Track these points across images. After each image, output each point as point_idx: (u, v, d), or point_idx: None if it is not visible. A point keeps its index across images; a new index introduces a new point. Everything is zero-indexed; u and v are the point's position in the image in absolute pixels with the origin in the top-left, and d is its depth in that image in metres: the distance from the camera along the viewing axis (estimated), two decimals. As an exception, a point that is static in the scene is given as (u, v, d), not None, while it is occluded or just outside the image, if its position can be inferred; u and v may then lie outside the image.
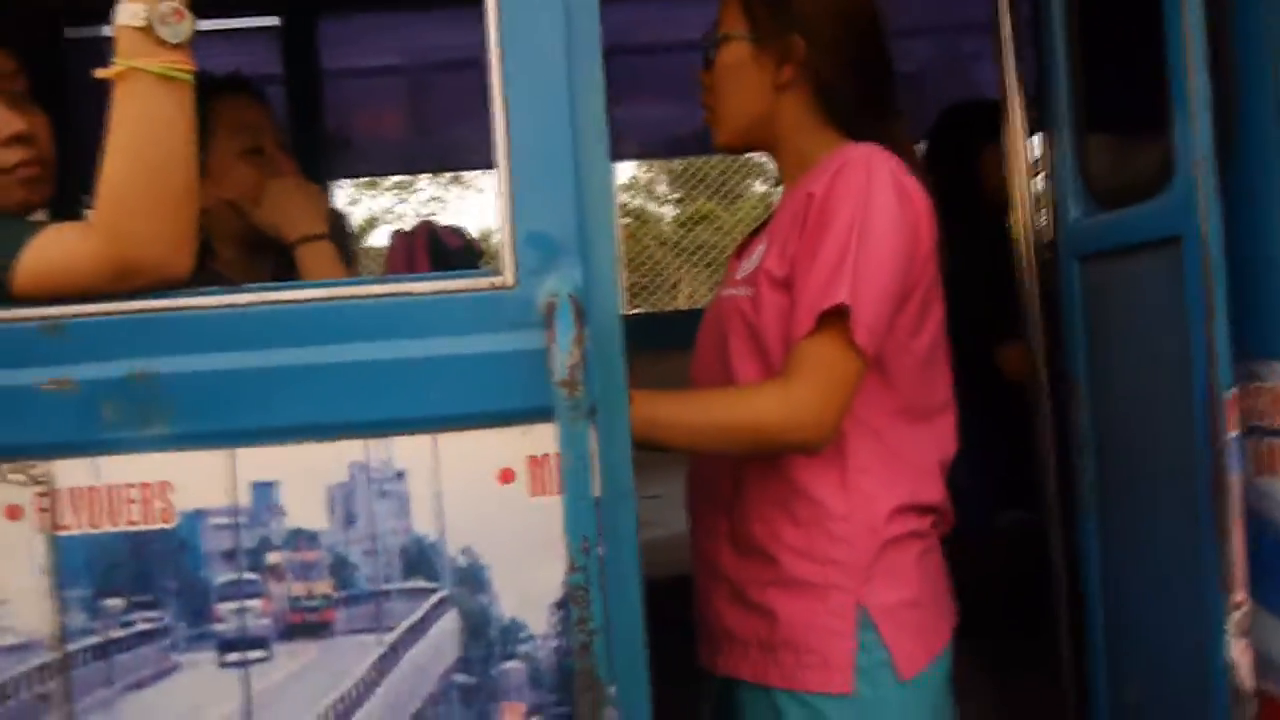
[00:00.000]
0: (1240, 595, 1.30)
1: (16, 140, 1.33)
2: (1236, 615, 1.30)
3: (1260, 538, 1.37)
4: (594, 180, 1.22)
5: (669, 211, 10.62)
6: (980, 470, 2.35)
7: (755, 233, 1.56)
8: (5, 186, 1.33)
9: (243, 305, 1.19)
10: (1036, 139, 2.02)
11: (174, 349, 1.17)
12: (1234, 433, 1.30)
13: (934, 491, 1.44)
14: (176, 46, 1.15)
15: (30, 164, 1.35)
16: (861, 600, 1.36)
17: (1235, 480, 1.30)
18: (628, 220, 9.83)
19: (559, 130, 1.21)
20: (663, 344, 1.95)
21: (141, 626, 1.18)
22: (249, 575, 1.18)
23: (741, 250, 1.57)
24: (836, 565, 1.37)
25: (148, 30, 1.13)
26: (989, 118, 2.48)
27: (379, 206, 10.91)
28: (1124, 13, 1.56)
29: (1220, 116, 1.37)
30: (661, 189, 10.71)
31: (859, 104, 1.45)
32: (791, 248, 1.38)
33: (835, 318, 1.29)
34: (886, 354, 1.37)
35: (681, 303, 8.32)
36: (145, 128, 1.15)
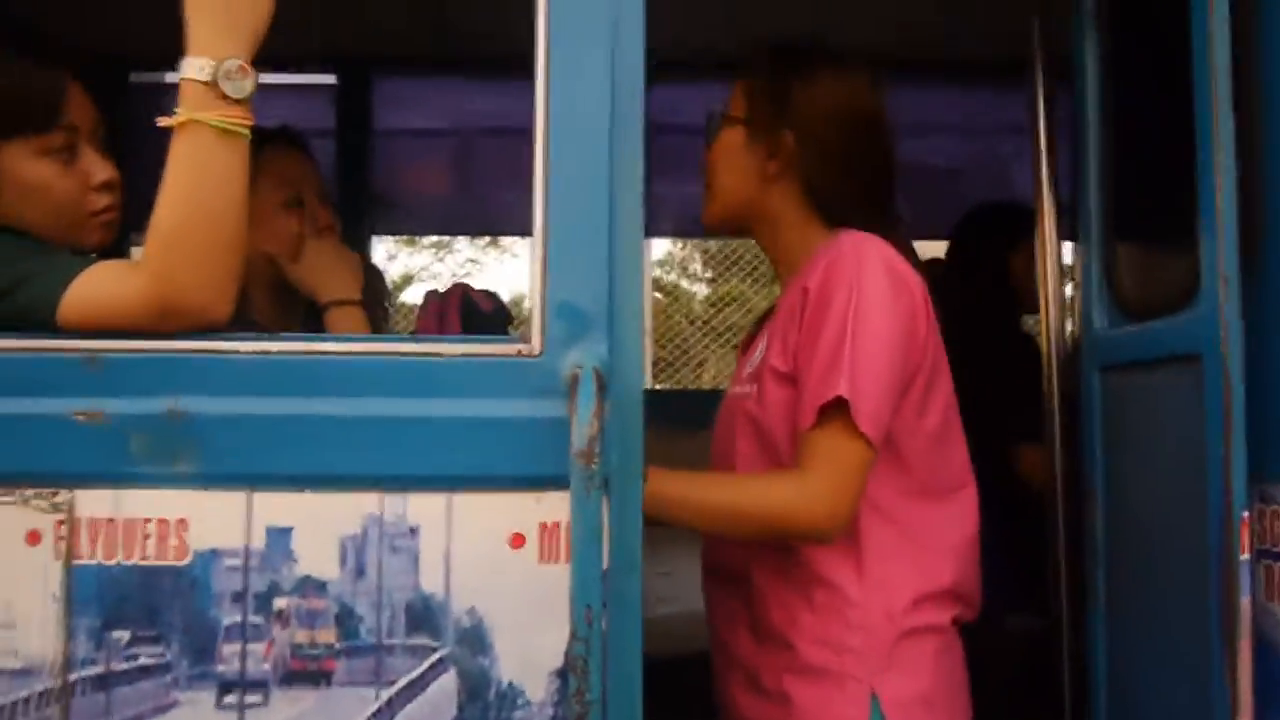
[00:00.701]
0: (1247, 718, 1.28)
1: (106, 186, 1.40)
2: (1241, 740, 1.28)
3: (1267, 662, 1.35)
4: (627, 257, 1.26)
5: (701, 290, 10.70)
6: (993, 570, 2.34)
7: (758, 328, 1.59)
8: (90, 228, 1.40)
9: (275, 353, 1.23)
10: (1070, 245, 2.04)
11: (205, 390, 1.21)
12: (1246, 555, 1.29)
13: (955, 574, 1.43)
14: (238, 102, 1.19)
15: (114, 209, 1.41)
16: (876, 690, 1.36)
17: (1246, 603, 1.29)
18: (660, 296, 9.90)
19: (597, 205, 1.25)
20: (683, 421, 1.97)
21: (145, 661, 1.19)
22: (255, 618, 1.19)
23: (746, 346, 1.60)
24: (853, 653, 1.37)
25: (212, 84, 1.18)
26: (1016, 220, 2.52)
27: (416, 264, 11.06)
28: (1159, 126, 1.58)
29: (1247, 234, 1.39)
30: (695, 267, 10.81)
31: (846, 201, 1.48)
32: (791, 341, 1.40)
33: (838, 409, 1.31)
34: (897, 436, 1.38)
35: (706, 381, 8.33)
36: (202, 177, 1.20)
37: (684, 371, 8.62)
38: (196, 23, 1.19)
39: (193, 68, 1.19)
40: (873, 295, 1.34)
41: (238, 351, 1.22)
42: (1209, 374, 1.34)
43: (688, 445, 1.72)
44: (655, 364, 8.01)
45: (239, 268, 1.23)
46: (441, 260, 11.05)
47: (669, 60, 2.81)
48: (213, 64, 1.18)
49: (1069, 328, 2.02)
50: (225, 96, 1.19)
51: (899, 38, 2.97)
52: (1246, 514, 1.29)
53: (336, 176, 3.14)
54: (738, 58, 1.59)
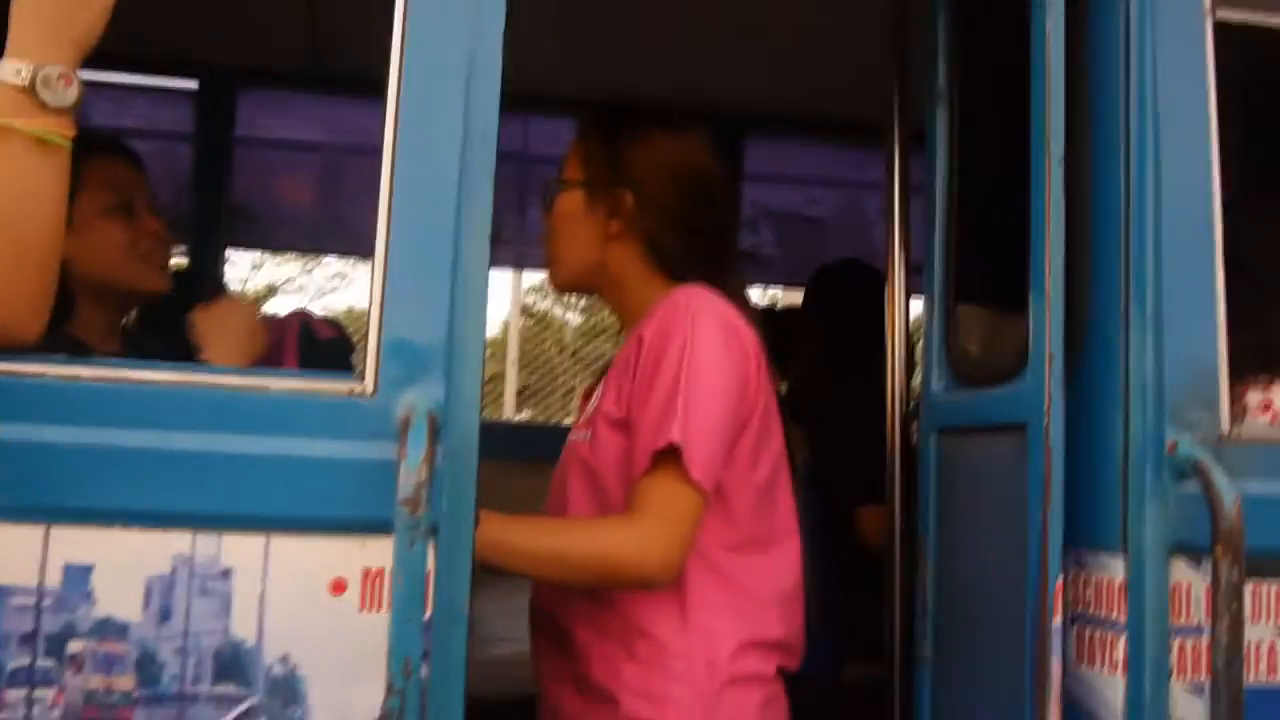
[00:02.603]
0: (1054, 780, 1.32)
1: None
2: (1047, 801, 1.32)
3: (1075, 723, 1.40)
4: (471, 294, 1.23)
5: (574, 319, 10.70)
6: (833, 622, 2.38)
7: (599, 377, 1.59)
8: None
9: (85, 378, 1.15)
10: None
11: (2, 415, 1.12)
12: (1058, 620, 1.34)
13: (778, 627, 1.44)
14: (59, 111, 1.13)
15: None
16: (700, 743, 1.35)
17: (1056, 669, 1.33)
18: (530, 322, 9.85)
19: (441, 239, 1.22)
20: (532, 456, 1.95)
21: (-82, 706, 1.09)
22: (45, 662, 1.11)
23: (587, 394, 1.61)
24: (675, 704, 1.36)
25: (28, 91, 1.11)
26: (874, 279, 2.59)
27: (281, 275, 10.75)
28: (1001, 200, 1.65)
29: (1074, 309, 1.45)
30: (569, 296, 10.81)
31: (687, 257, 1.50)
32: (626, 390, 1.41)
33: (671, 456, 1.32)
34: (727, 487, 1.39)
35: (573, 410, 8.33)
36: (13, 189, 1.12)
37: (551, 399, 8.59)
38: (18, 25, 1.12)
39: (7, 71, 1.11)
40: (706, 346, 1.36)
41: (42, 375, 1.14)
42: (1032, 444, 1.38)
43: (534, 480, 1.70)
44: (520, 390, 7.96)
45: (52, 286, 1.15)
46: (309, 273, 10.77)
47: (544, 95, 2.82)
48: (30, 68, 1.11)
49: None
50: (44, 105, 1.12)
51: (767, 96, 3.06)
52: (1060, 580, 1.34)
53: (193, 184, 3.03)
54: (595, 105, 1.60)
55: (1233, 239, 1.44)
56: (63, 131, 1.13)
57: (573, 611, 1.44)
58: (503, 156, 1.27)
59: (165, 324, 1.75)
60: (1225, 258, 1.43)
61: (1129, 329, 1.41)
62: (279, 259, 10.59)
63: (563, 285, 1.59)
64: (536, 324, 10.18)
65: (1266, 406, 1.48)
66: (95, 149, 1.60)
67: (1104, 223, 1.48)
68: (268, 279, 10.51)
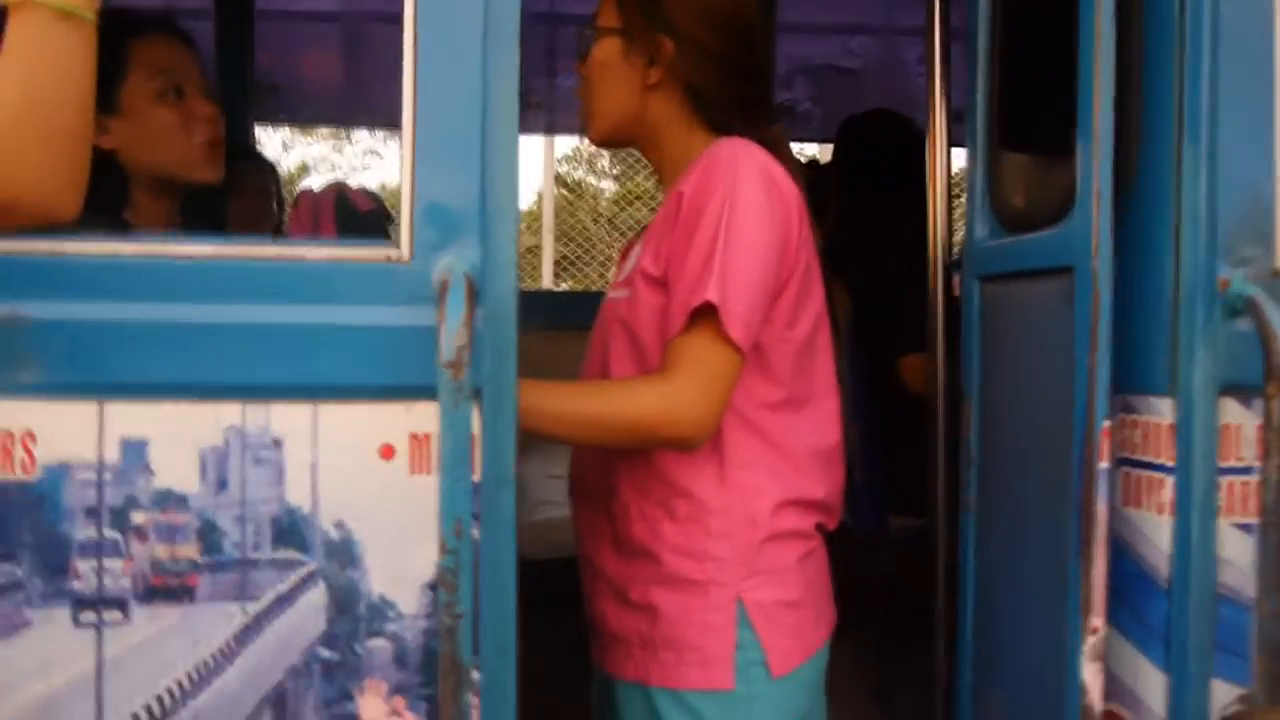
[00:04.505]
0: (1097, 621, 1.33)
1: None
2: (1092, 639, 1.33)
3: (1122, 565, 1.41)
4: (502, 156, 1.21)
5: (609, 187, 10.57)
6: (876, 473, 2.40)
7: (638, 235, 1.57)
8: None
9: (127, 255, 1.16)
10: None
11: (49, 294, 1.14)
12: (1105, 464, 1.33)
13: (817, 484, 1.44)
14: None
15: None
16: (741, 596, 1.38)
17: (1102, 510, 1.33)
18: (564, 192, 9.76)
19: (469, 101, 1.19)
20: (573, 323, 1.95)
21: (-6, 578, 1.14)
22: (111, 534, 1.15)
23: (625, 252, 1.58)
24: (716, 561, 1.38)
25: None
26: (900, 128, 2.53)
27: (314, 155, 10.69)
28: (1047, 42, 1.58)
29: (1123, 152, 1.40)
30: (602, 163, 10.66)
31: (729, 105, 1.45)
32: (665, 247, 1.38)
33: (708, 314, 1.30)
34: (765, 345, 1.38)
35: (610, 280, 8.28)
36: (38, 63, 1.10)
37: (589, 269, 8.56)
38: None
39: None
40: (747, 202, 1.33)
41: (85, 253, 1.15)
42: (1080, 287, 1.36)
43: (573, 347, 1.70)
44: (558, 262, 7.93)
45: (85, 162, 1.15)
46: (340, 152, 10.70)
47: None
48: None
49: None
50: None
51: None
52: (1108, 423, 1.33)
53: (216, 61, 2.98)
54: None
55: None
56: (87, 4, 1.11)
57: (612, 473, 1.45)
58: (529, 18, 1.23)
59: (209, 203, 1.75)
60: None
61: (1181, 163, 1.36)
62: (309, 138, 10.52)
63: (601, 139, 1.54)
64: (571, 193, 10.08)
65: (1325, 240, 1.43)
66: (144, 29, 1.57)
67: (1156, 57, 1.41)
68: (299, 159, 10.47)
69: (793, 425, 1.43)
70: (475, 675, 1.11)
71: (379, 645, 1.19)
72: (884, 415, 2.39)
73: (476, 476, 1.14)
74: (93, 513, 1.15)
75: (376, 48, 3.26)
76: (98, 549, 1.15)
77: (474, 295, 1.12)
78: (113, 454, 1.15)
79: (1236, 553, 1.36)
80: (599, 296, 1.57)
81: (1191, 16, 1.37)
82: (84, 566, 1.15)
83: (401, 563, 1.19)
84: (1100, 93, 1.33)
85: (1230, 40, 1.36)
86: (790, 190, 1.39)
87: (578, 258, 8.57)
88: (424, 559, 1.18)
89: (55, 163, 1.12)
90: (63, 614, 1.15)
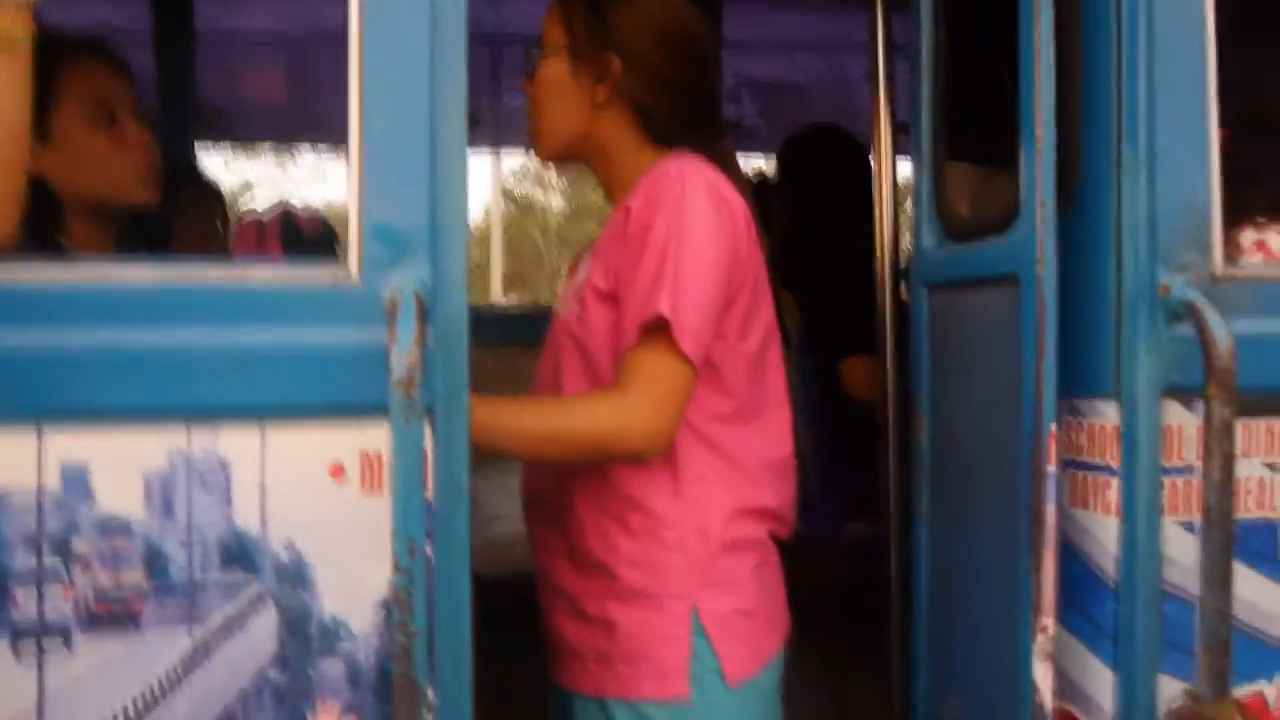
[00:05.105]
0: (1047, 620, 1.35)
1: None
2: (1042, 639, 1.35)
3: (1071, 566, 1.43)
4: (450, 172, 1.20)
5: (556, 201, 10.58)
6: (830, 481, 2.41)
7: (586, 250, 1.57)
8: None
9: (66, 279, 1.13)
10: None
11: (-16, 318, 1.11)
12: (1052, 467, 1.35)
13: (770, 494, 1.45)
14: (15, 6, 1.08)
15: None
16: (696, 606, 1.38)
17: (1051, 512, 1.35)
18: (513, 207, 9.75)
19: (416, 117, 1.19)
20: (522, 341, 1.94)
21: (-71, 610, 1.11)
22: (51, 562, 1.12)
23: (573, 268, 1.58)
24: (671, 573, 1.39)
25: None
26: (843, 144, 2.57)
27: (258, 174, 10.58)
28: (989, 52, 1.61)
29: (1066, 161, 1.43)
30: (550, 178, 10.67)
31: (677, 122, 1.46)
32: (614, 263, 1.39)
33: (660, 328, 1.31)
34: (717, 358, 1.39)
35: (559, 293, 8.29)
36: None
37: (538, 283, 8.56)
38: None
39: None
40: (695, 217, 1.33)
41: (21, 279, 1.12)
42: (1025, 294, 1.38)
43: (524, 364, 1.70)
44: (507, 276, 7.92)
45: (17, 187, 1.12)
46: (283, 169, 10.60)
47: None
48: None
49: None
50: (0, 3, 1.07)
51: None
52: (1054, 428, 1.35)
53: (156, 83, 2.94)
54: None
55: (1228, 76, 1.41)
56: (19, 29, 1.08)
57: (566, 487, 1.44)
58: (474, 36, 1.23)
59: (152, 226, 1.71)
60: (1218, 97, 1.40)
61: (1121, 171, 1.39)
62: (251, 156, 10.40)
63: (549, 156, 1.54)
64: (518, 209, 10.07)
65: (1260, 245, 1.47)
66: (74, 54, 1.54)
67: (1095, 66, 1.45)
68: (242, 177, 10.35)
69: (745, 437, 1.43)
70: (431, 694, 1.09)
71: (331, 666, 1.17)
72: (836, 423, 2.40)
73: (429, 494, 1.13)
74: (31, 541, 1.12)
75: (319, 65, 3.23)
76: (37, 577, 1.12)
77: (425, 314, 1.11)
78: (52, 480, 1.12)
79: (1180, 551, 1.39)
80: (548, 312, 1.57)
81: (1128, 28, 1.40)
82: (23, 595, 1.12)
83: (353, 582, 1.18)
84: (1041, 105, 1.36)
85: (1165, 51, 1.40)
86: (738, 206, 1.40)
87: (526, 272, 8.56)
88: (376, 578, 1.16)
89: None
90: (1, 645, 1.11)
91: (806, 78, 3.83)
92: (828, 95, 3.79)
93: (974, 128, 1.72)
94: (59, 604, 1.12)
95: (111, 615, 1.13)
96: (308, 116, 3.43)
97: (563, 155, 1.54)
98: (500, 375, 1.53)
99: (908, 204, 2.54)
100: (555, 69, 1.47)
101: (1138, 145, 1.39)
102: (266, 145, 9.75)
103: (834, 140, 2.60)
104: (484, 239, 7.83)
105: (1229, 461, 1.29)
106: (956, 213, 1.70)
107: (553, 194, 10.60)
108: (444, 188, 1.20)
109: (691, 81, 1.47)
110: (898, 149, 2.01)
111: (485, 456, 1.25)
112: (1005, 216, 1.47)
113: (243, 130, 3.74)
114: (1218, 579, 1.29)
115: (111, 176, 1.57)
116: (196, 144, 3.26)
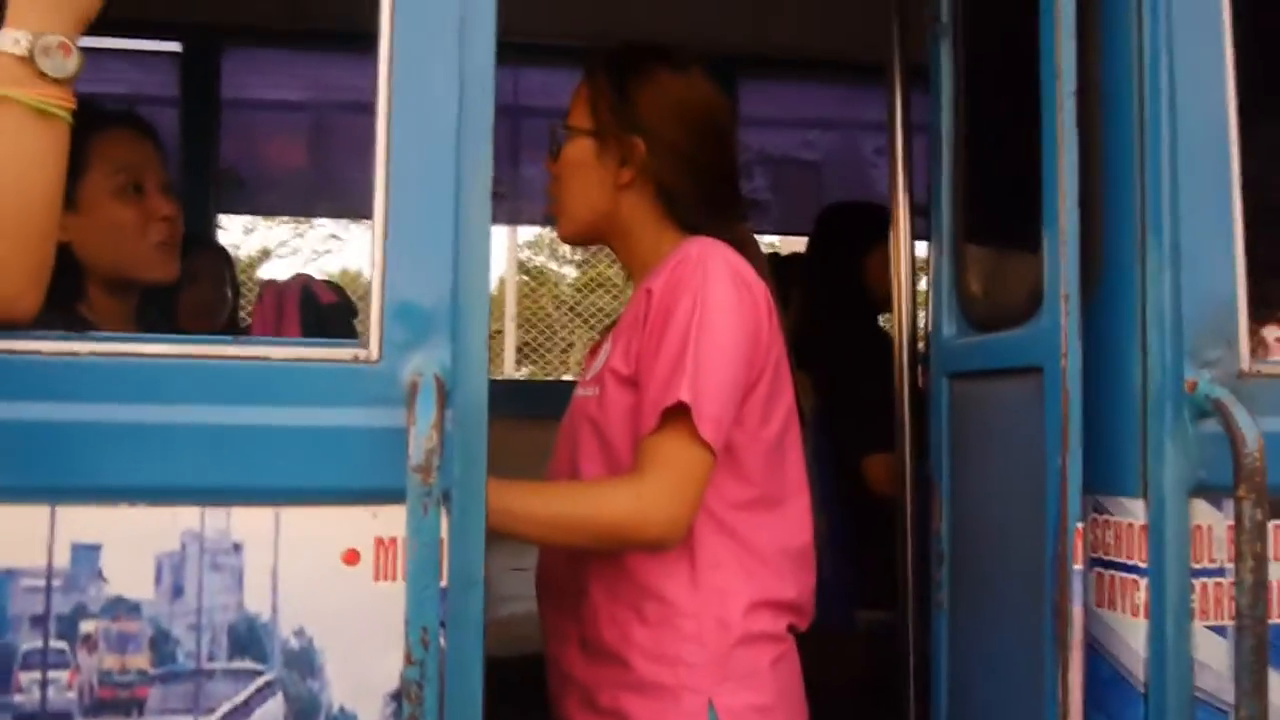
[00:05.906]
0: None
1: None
2: (1070, 744, 1.31)
3: (1098, 667, 1.39)
4: (474, 254, 1.20)
5: (570, 273, 10.63)
6: (845, 569, 2.38)
7: (606, 333, 1.57)
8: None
9: (84, 354, 1.12)
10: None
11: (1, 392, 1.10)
12: (1079, 565, 1.32)
13: (789, 585, 1.42)
14: (58, 81, 1.10)
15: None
16: (713, 701, 1.34)
17: (1078, 611, 1.32)
18: (526, 278, 9.80)
19: (442, 198, 1.19)
20: (537, 412, 1.93)
21: (-69, 691, 1.08)
22: (57, 643, 1.10)
23: (594, 349, 1.57)
24: (688, 666, 1.35)
25: (28, 60, 1.08)
26: (872, 220, 2.56)
27: (274, 239, 10.67)
28: (1011, 138, 1.61)
29: (1088, 248, 1.42)
30: (564, 249, 10.74)
31: (700, 205, 1.47)
32: (635, 346, 1.38)
33: (680, 414, 1.29)
34: (737, 444, 1.37)
35: (572, 365, 8.29)
36: (11, 160, 1.09)
37: (550, 355, 8.56)
38: None
39: (6, 40, 1.08)
40: (717, 302, 1.33)
41: (39, 351, 1.11)
42: (1049, 387, 1.36)
43: (537, 437, 1.68)
44: (520, 348, 7.93)
45: (47, 258, 1.12)
46: (301, 235, 10.69)
47: (534, 44, 2.76)
48: (29, 38, 1.08)
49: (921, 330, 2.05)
50: (43, 74, 1.09)
51: (760, 35, 3.00)
52: (1081, 525, 1.32)
53: (180, 149, 2.98)
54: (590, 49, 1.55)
55: (1250, 171, 1.40)
56: (62, 102, 1.10)
57: (581, 574, 1.42)
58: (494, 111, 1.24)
59: (162, 292, 1.71)
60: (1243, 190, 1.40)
61: (1145, 265, 1.38)
62: (270, 222, 10.51)
63: (571, 237, 1.55)
64: (533, 279, 10.12)
65: (1285, 341, 1.46)
66: (105, 124, 1.55)
67: (1117, 157, 1.44)
68: (260, 243, 10.44)
69: (764, 525, 1.41)
70: (440, 792, 1.06)
71: (339, 759, 1.14)
72: (851, 507, 2.37)
73: (444, 581, 1.10)
74: (39, 621, 1.09)
75: (342, 137, 3.27)
76: (42, 659, 1.09)
77: (444, 397, 1.10)
78: (63, 559, 1.10)
79: (1211, 656, 1.35)
80: (561, 385, 1.56)
81: (1150, 118, 1.40)
82: (27, 679, 1.09)
83: (364, 672, 1.15)
84: (1065, 195, 1.35)
85: (1188, 142, 1.39)
86: (760, 289, 1.39)
87: (540, 343, 8.57)
88: (387, 668, 1.13)
89: (20, 259, 1.10)
90: (2, 730, 1.08)
91: (819, 154, 3.86)
92: (840, 172, 3.82)
93: (994, 210, 1.71)
94: (63, 688, 1.09)
95: (116, 700, 1.10)
96: (328, 188, 3.45)
97: (585, 236, 1.54)
98: (515, 448, 1.51)
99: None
100: (580, 150, 1.48)
101: (1162, 237, 1.38)
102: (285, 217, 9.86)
103: (875, 217, 2.60)
104: (498, 310, 7.88)
105: (1261, 563, 1.26)
106: (976, 298, 1.69)
107: (567, 265, 10.67)
108: (467, 267, 1.19)
109: (714, 162, 1.48)
110: (915, 231, 2.01)
111: (493, 535, 1.23)
112: (1027, 306, 1.46)
113: (264, 201, 3.77)
114: (1251, 685, 1.25)
115: (135, 251, 1.57)
116: (218, 214, 3.29)
